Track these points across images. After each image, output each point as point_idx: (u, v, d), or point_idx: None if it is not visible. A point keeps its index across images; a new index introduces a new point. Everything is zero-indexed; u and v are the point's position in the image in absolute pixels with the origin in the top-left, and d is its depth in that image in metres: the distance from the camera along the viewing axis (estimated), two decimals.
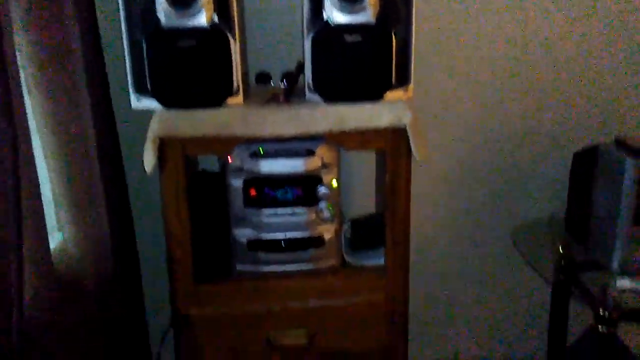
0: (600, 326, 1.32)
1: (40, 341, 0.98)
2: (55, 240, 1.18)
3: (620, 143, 1.34)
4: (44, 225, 1.01)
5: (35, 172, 0.99)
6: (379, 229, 1.33)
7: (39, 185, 1.00)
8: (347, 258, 1.37)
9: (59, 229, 1.19)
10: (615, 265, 1.33)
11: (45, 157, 1.11)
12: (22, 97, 0.97)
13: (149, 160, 1.16)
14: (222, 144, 1.21)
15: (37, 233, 0.97)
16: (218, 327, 1.30)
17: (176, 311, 1.30)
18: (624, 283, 1.31)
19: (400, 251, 1.31)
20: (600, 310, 1.31)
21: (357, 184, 1.61)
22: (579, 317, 1.64)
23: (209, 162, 1.50)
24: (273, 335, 1.30)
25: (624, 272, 1.33)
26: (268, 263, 1.29)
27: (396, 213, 1.28)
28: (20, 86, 0.98)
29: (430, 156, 1.32)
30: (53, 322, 1.01)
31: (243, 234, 1.28)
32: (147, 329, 1.56)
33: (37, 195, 0.99)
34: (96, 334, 1.27)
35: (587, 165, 1.42)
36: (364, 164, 1.60)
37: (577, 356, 1.59)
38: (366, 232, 1.44)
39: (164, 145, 1.18)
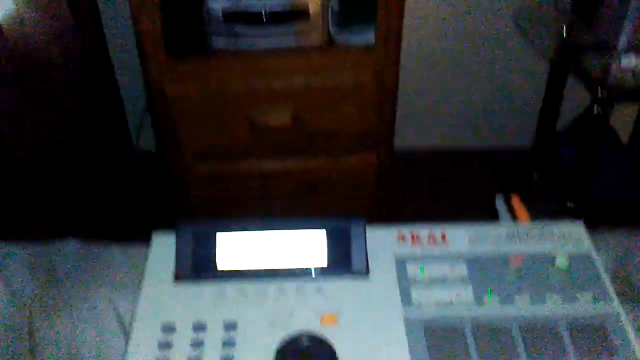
0: (595, 107, 1.28)
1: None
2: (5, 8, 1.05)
3: None
4: None
5: None
6: (370, 3, 1.20)
7: None
8: (334, 35, 1.25)
9: None
10: (622, 42, 1.24)
11: None
12: None
13: None
14: None
15: None
16: (197, 107, 1.23)
17: (151, 90, 1.22)
18: (629, 61, 1.23)
19: (392, 26, 1.19)
20: (599, 89, 1.26)
21: None
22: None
23: None
24: (256, 116, 1.24)
25: (631, 50, 1.25)
26: (247, 37, 1.18)
27: None
28: None
29: None
30: (13, 89, 0.92)
31: (217, 3, 1.15)
32: (124, 112, 1.50)
33: None
34: (67, 111, 1.20)
35: None
36: None
37: (566, 141, 1.58)
38: (356, 7, 1.31)
39: None
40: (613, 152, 1.53)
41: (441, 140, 1.79)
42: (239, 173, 1.32)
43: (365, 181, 1.36)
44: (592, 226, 0.64)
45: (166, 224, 0.64)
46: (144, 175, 1.55)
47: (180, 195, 1.35)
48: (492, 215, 0.73)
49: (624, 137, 1.64)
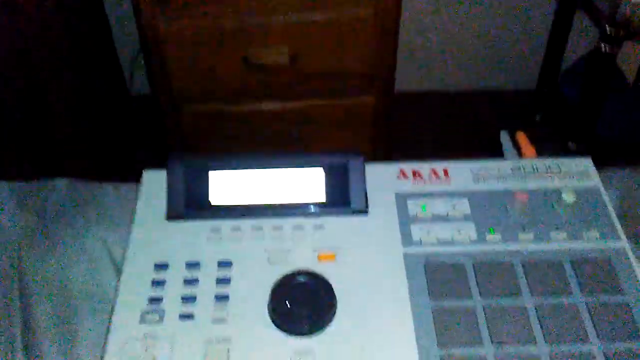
0: (603, 45, 1.24)
1: None
2: None
3: None
4: None
5: None
6: None
7: None
8: None
9: None
10: None
11: None
12: None
13: None
14: None
15: None
16: (190, 45, 1.19)
17: (143, 29, 1.17)
18: None
19: None
20: (608, 27, 1.21)
21: None
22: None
23: None
24: (252, 54, 1.20)
25: None
26: None
27: None
28: None
29: None
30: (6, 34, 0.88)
31: None
32: (116, 53, 1.45)
33: None
34: (60, 52, 1.16)
35: None
36: None
37: (568, 80, 1.54)
38: None
39: None
40: (618, 92, 1.49)
41: (442, 82, 1.74)
42: (233, 114, 1.29)
43: (365, 123, 1.32)
44: (596, 166, 0.62)
45: (159, 167, 0.62)
46: (138, 118, 1.52)
47: (173, 137, 1.32)
48: (495, 155, 0.70)
49: (630, 78, 1.60)
